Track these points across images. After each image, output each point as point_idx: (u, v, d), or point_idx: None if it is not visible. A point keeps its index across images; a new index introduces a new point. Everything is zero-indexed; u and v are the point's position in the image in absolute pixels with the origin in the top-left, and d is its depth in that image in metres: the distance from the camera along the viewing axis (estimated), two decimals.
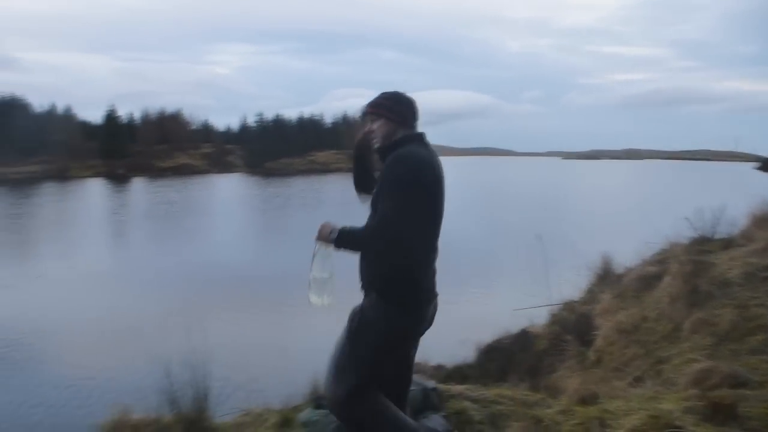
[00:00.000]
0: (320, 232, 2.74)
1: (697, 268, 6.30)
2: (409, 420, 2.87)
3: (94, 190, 54.92)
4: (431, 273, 2.77)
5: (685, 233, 8.13)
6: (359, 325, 2.69)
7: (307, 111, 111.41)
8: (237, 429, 3.74)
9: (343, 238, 2.69)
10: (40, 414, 8.20)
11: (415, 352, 2.93)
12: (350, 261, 2.81)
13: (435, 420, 3.34)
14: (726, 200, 8.53)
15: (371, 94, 2.90)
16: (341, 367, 2.72)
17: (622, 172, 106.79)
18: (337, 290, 2.85)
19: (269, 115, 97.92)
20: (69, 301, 14.93)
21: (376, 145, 2.78)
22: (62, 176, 67.51)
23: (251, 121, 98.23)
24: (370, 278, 2.71)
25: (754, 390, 3.80)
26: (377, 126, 2.78)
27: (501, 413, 3.57)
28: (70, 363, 10.50)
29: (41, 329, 12.10)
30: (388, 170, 2.60)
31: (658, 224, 8.34)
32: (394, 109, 2.78)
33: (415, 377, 3.79)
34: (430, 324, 2.83)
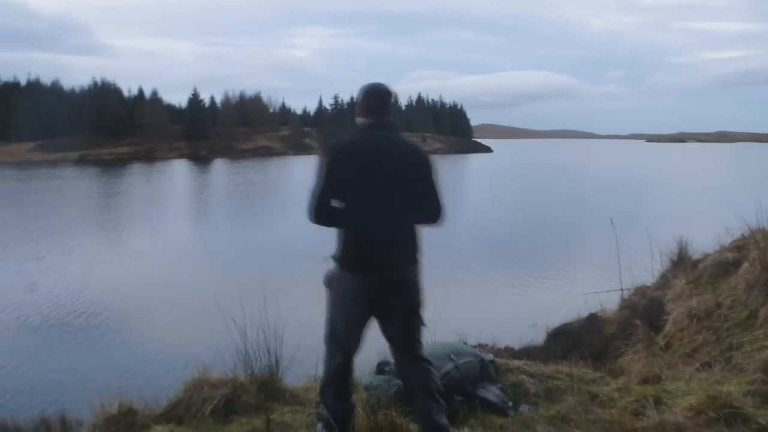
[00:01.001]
0: None
1: None
2: (341, 400, 3.10)
3: (180, 170, 57.50)
4: (376, 241, 2.97)
5: None
6: (324, 283, 3.15)
7: None
8: (305, 392, 4.00)
9: None
10: (134, 375, 8.95)
11: (403, 322, 3.08)
12: None
13: (491, 391, 3.48)
14: None
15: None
16: None
17: (711, 155, 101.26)
18: None
19: (345, 97, 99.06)
20: (161, 274, 15.98)
21: None
22: (149, 157, 71.11)
23: (327, 103, 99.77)
24: None
25: None
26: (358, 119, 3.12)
27: (557, 388, 3.66)
28: (161, 330, 11.39)
29: (137, 301, 13.10)
30: None
31: (743, 209, 8.02)
32: (359, 103, 3.10)
33: (474, 349, 3.93)
34: (397, 291, 3.02)
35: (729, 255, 7.43)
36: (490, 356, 3.79)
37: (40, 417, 6.43)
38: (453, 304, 12.81)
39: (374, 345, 4.21)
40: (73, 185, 41.11)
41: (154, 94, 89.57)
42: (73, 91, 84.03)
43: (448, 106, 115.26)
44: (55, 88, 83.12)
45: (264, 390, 3.82)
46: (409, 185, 3.00)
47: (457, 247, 19.13)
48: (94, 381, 8.75)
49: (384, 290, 2.99)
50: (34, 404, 7.87)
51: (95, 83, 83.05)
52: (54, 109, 74.50)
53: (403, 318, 3.07)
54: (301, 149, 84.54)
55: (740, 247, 7.39)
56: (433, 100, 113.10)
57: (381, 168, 2.95)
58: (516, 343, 8.56)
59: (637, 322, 6.93)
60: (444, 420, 2.95)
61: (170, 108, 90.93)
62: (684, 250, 8.73)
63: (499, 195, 36.57)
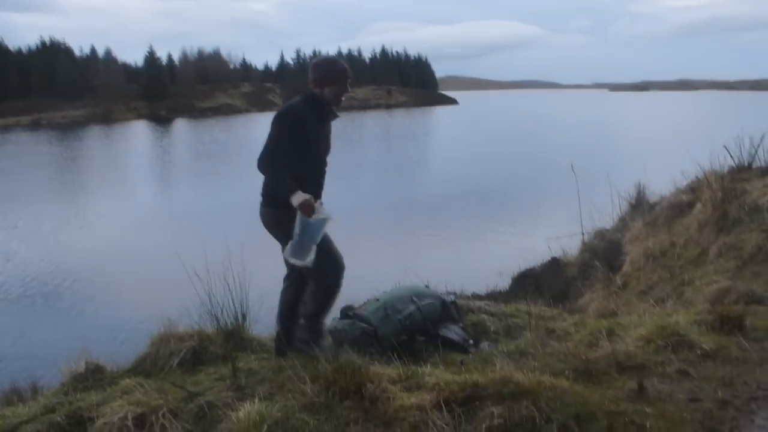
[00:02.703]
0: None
1: (728, 194, 6.28)
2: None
3: (141, 131, 55.93)
4: None
5: (723, 162, 8.03)
6: None
7: (346, 46, 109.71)
8: (272, 342, 4.05)
9: None
10: (103, 337, 8.97)
11: None
12: None
13: (452, 330, 3.58)
14: None
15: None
16: None
17: (672, 103, 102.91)
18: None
19: (307, 51, 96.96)
20: (127, 237, 15.84)
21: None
22: (107, 119, 68.76)
23: (289, 58, 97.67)
24: None
25: None
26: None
27: (516, 325, 3.78)
28: (128, 291, 11.37)
29: (103, 265, 13.02)
30: None
31: (699, 154, 8.26)
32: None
33: (436, 291, 4.03)
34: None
35: (684, 197, 7.68)
36: (451, 297, 3.89)
37: (10, 386, 6.41)
38: (421, 255, 13.00)
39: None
40: (35, 151, 39.64)
41: (108, 53, 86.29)
42: (20, 51, 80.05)
43: (412, 58, 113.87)
44: (0, 49, 79.25)
45: (230, 340, 3.85)
46: None
47: (423, 199, 19.28)
48: (64, 347, 8.74)
49: None
50: (5, 375, 7.84)
51: (43, 43, 79.14)
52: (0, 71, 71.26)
53: None
54: (265, 105, 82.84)
55: (694, 189, 7.64)
56: (397, 52, 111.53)
57: None
58: (483, 290, 8.78)
59: (597, 263, 7.16)
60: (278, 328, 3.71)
61: (126, 67, 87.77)
62: (642, 193, 9.00)
63: (465, 146, 36.73)
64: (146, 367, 3.84)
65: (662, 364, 2.98)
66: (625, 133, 42.74)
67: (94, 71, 78.86)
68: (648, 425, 2.44)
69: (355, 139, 42.17)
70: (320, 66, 3.49)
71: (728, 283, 4.37)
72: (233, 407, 2.74)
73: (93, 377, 3.78)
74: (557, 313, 4.16)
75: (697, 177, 8.08)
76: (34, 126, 62.58)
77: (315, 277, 3.49)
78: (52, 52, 76.88)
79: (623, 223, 8.42)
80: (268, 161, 3.33)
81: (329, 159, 3.70)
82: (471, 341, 3.59)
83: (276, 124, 3.37)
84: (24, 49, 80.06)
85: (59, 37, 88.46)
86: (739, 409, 2.59)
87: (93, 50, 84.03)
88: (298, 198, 3.24)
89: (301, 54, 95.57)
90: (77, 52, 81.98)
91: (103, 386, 3.62)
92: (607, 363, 2.99)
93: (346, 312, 3.70)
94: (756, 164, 8.13)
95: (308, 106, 3.45)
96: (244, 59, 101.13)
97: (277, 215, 3.45)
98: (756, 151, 8.19)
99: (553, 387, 2.57)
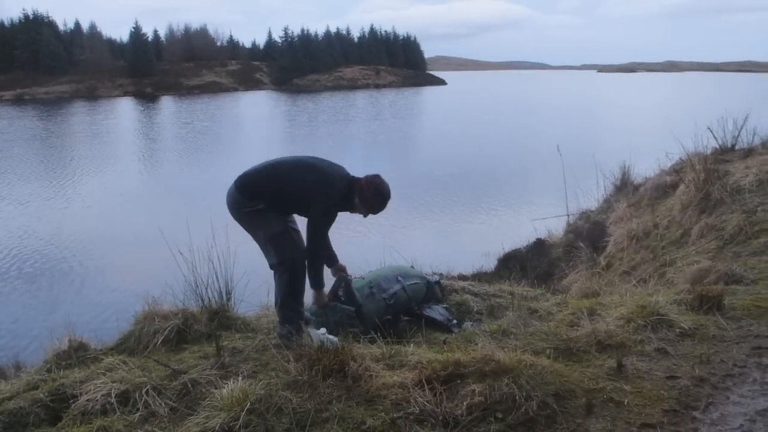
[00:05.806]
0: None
1: (711, 176, 6.33)
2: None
3: (129, 108, 55.02)
4: None
5: (707, 143, 8.09)
6: None
7: (335, 25, 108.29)
8: (256, 321, 4.08)
9: None
10: (88, 315, 8.95)
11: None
12: None
13: (436, 310, 3.61)
14: (754, 111, 8.44)
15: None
16: None
17: (658, 84, 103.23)
18: None
19: (296, 29, 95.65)
20: (119, 215, 15.73)
21: None
22: (91, 95, 67.64)
23: (277, 36, 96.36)
24: None
25: (746, 286, 3.98)
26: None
27: (500, 305, 3.82)
28: (112, 270, 11.32)
29: (89, 243, 12.93)
30: None
31: (683, 135, 8.31)
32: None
33: (421, 272, 4.05)
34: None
35: (667, 178, 7.74)
36: (436, 278, 3.91)
37: None
38: (407, 235, 13.03)
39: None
40: (29, 126, 38.91)
41: (93, 27, 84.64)
42: (2, 24, 78.49)
43: (401, 38, 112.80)
44: None
45: (215, 319, 3.86)
46: None
47: (410, 180, 19.28)
48: (47, 325, 8.71)
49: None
50: None
51: (26, 16, 77.69)
52: None
53: None
54: (252, 84, 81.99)
55: (678, 170, 7.70)
56: (386, 31, 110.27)
57: None
58: (468, 271, 8.84)
59: (581, 244, 7.22)
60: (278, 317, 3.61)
61: (111, 43, 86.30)
62: (627, 175, 9.06)
63: (453, 127, 36.65)
64: (130, 345, 3.84)
65: (641, 343, 3.03)
66: (612, 115, 42.89)
67: (78, 46, 77.40)
68: (626, 402, 2.49)
69: (349, 118, 42.08)
70: (377, 194, 3.56)
71: (708, 263, 4.42)
72: (217, 385, 2.76)
73: (76, 355, 3.78)
74: (540, 294, 4.21)
75: (681, 158, 8.15)
76: (18, 101, 61.46)
77: (280, 267, 3.54)
78: (36, 26, 75.35)
79: (608, 205, 8.48)
80: (322, 239, 3.54)
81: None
82: (454, 321, 3.62)
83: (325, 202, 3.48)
84: (6, 22, 78.44)
85: (42, 10, 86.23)
86: (715, 386, 2.65)
87: (77, 25, 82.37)
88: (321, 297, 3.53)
89: (289, 32, 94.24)
90: (61, 27, 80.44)
91: (86, 364, 3.61)
92: (587, 342, 3.04)
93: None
94: (739, 145, 8.22)
95: (344, 192, 3.54)
96: (231, 37, 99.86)
97: (255, 212, 3.53)
98: (739, 133, 8.28)
99: (533, 365, 2.61)
